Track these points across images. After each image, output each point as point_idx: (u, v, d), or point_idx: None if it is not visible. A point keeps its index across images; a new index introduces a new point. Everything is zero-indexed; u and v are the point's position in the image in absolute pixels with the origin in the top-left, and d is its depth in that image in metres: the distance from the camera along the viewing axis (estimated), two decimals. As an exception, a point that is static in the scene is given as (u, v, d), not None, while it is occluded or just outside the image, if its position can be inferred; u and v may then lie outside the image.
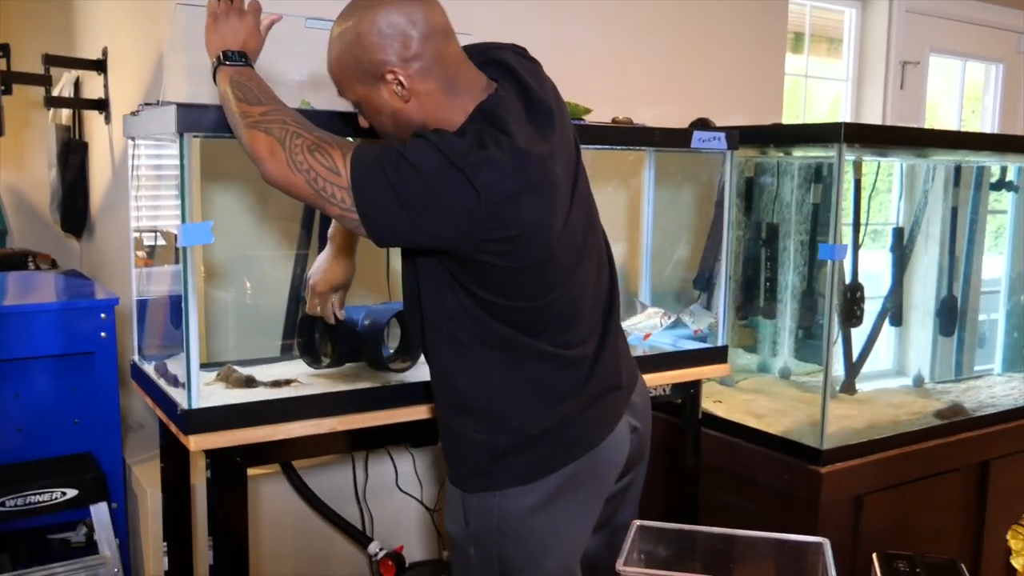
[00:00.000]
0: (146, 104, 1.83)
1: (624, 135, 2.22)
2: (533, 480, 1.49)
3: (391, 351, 1.97)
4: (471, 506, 1.52)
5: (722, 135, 2.28)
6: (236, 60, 1.53)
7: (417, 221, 1.35)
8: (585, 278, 1.53)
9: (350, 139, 1.44)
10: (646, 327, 2.31)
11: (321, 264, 1.81)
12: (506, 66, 1.50)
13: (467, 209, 1.33)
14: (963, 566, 1.92)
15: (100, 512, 2.30)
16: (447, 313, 1.48)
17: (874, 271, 2.97)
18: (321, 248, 2.19)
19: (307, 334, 1.96)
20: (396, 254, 2.37)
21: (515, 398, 1.50)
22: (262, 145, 1.41)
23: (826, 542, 1.51)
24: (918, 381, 3.08)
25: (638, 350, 2.32)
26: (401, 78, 1.41)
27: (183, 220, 1.61)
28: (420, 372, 1.93)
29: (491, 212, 1.34)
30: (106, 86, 3.04)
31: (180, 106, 1.59)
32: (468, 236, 1.35)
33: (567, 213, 1.46)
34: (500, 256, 1.38)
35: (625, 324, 2.30)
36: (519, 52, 1.59)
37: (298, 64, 2.10)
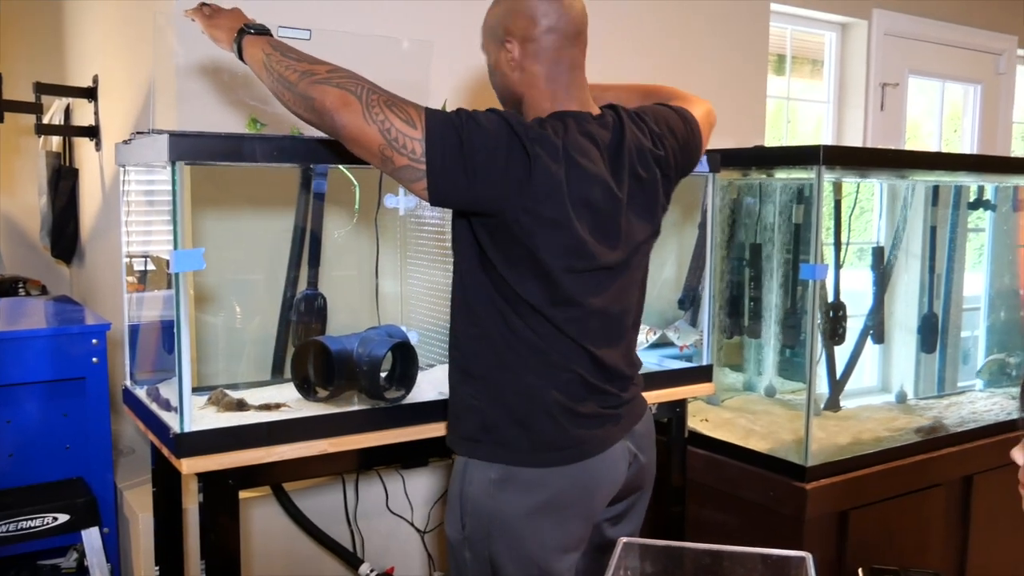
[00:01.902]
0: (138, 133, 1.86)
1: (608, 159, 2.25)
2: (516, 465, 1.55)
3: (384, 376, 1.99)
4: (467, 511, 1.57)
5: (703, 158, 2.31)
6: (262, 30, 1.61)
7: (474, 176, 1.44)
8: (601, 323, 1.60)
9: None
10: None
11: None
12: (620, 121, 1.62)
13: (518, 173, 1.44)
14: (947, 579, 1.94)
15: (91, 537, 2.31)
16: (466, 280, 1.58)
17: (859, 290, 3.01)
18: (311, 267, 2.23)
19: (302, 366, 1.98)
20: (384, 275, 2.40)
21: (512, 375, 1.56)
22: (334, 97, 1.45)
23: (809, 556, 1.53)
24: (901, 397, 3.12)
25: (624, 370, 2.35)
26: (513, 51, 1.58)
27: (175, 246, 1.64)
28: (410, 395, 1.96)
29: (536, 182, 1.44)
30: (96, 113, 3.07)
31: (172, 135, 1.62)
32: (512, 199, 1.45)
33: (598, 245, 1.54)
34: (531, 236, 1.47)
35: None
36: (653, 137, 1.68)
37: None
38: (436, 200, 1.48)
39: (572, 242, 1.50)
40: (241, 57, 1.62)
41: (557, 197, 1.46)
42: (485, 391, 1.58)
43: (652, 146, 1.65)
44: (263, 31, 1.61)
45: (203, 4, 1.69)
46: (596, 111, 1.62)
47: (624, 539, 1.58)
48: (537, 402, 1.55)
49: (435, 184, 1.45)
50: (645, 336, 2.34)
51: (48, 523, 2.25)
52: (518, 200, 1.45)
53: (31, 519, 2.23)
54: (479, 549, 1.56)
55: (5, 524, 2.20)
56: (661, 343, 2.41)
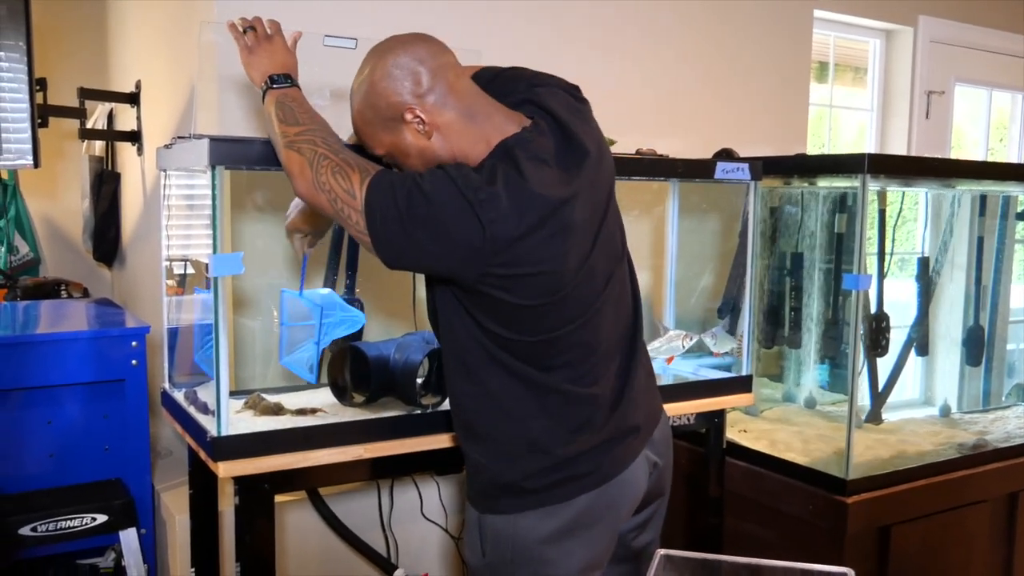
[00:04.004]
0: (179, 137, 1.87)
1: (648, 166, 2.24)
2: (538, 507, 1.50)
3: (420, 382, 1.98)
4: (487, 536, 1.53)
5: (745, 166, 2.29)
6: (282, 82, 1.60)
7: (422, 248, 1.38)
8: (603, 318, 1.53)
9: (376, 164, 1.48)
10: (669, 350, 2.31)
11: (298, 203, 1.79)
12: (545, 107, 1.52)
13: (470, 242, 1.36)
14: (991, 598, 1.90)
15: (129, 538, 2.32)
16: (456, 336, 1.51)
17: (901, 300, 2.96)
18: (349, 272, 2.23)
19: (338, 371, 1.98)
20: (421, 281, 2.40)
21: (520, 428, 1.50)
22: (295, 164, 1.47)
23: (851, 572, 1.50)
24: (945, 411, 3.06)
25: (662, 378, 2.33)
26: (420, 114, 1.44)
27: (214, 251, 1.64)
28: (446, 401, 1.95)
29: (495, 248, 1.36)
30: (139, 118, 3.11)
31: (212, 139, 1.63)
32: (470, 268, 1.38)
33: (586, 256, 1.47)
34: (506, 291, 1.40)
35: (648, 348, 2.30)
36: (570, 92, 1.60)
37: (320, 84, 2.12)
38: (393, 267, 1.45)
39: (559, 279, 1.43)
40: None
41: (519, 250, 1.37)
42: (494, 450, 1.52)
43: (580, 103, 1.58)
44: (285, 84, 1.60)
45: (247, 28, 1.67)
46: (516, 117, 1.51)
47: (661, 551, 1.56)
48: (552, 453, 1.49)
49: (384, 255, 1.42)
50: (681, 342, 2.31)
51: (86, 523, 2.27)
52: (474, 266, 1.37)
53: (70, 519, 2.25)
54: (503, 575, 1.53)
55: (44, 524, 2.22)
56: (697, 350, 2.38)
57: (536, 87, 1.56)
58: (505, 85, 1.57)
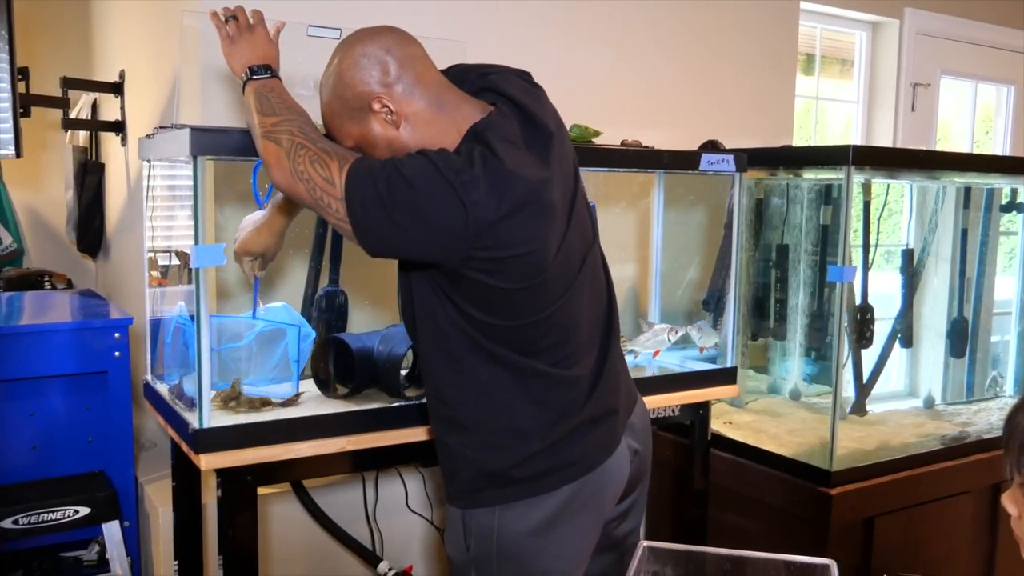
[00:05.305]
0: (161, 127, 1.86)
1: (633, 158, 2.24)
2: (524, 498, 1.49)
3: (404, 374, 1.97)
4: (471, 530, 1.52)
5: (730, 157, 2.29)
6: (262, 73, 1.59)
7: (405, 233, 1.37)
8: (580, 299, 1.53)
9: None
10: (655, 344, 2.32)
11: (247, 226, 1.75)
12: (503, 93, 1.52)
13: (454, 225, 1.35)
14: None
15: (112, 530, 2.31)
16: (438, 326, 1.49)
17: (886, 292, 2.97)
18: (332, 264, 2.22)
19: (322, 363, 1.97)
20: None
21: (506, 416, 1.49)
22: (271, 154, 1.46)
23: (833, 563, 1.50)
24: (929, 402, 3.07)
25: (647, 370, 2.33)
26: (388, 103, 1.45)
27: (196, 241, 1.63)
28: (430, 392, 1.94)
29: (478, 230, 1.35)
30: (123, 108, 3.08)
31: (194, 129, 1.62)
32: (455, 251, 1.37)
33: (562, 236, 1.47)
34: (489, 275, 1.40)
35: (634, 343, 2.31)
36: (522, 76, 1.60)
37: (303, 75, 2.10)
38: (375, 255, 1.43)
39: (542, 260, 1.42)
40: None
41: (501, 232, 1.36)
42: (479, 439, 1.51)
43: (533, 87, 1.58)
44: (265, 75, 1.59)
45: (229, 18, 1.65)
46: (479, 105, 1.51)
47: (645, 543, 1.56)
48: (538, 438, 1.49)
49: (365, 243, 1.41)
50: (667, 336, 2.32)
51: (69, 516, 2.25)
52: (458, 249, 1.36)
53: (53, 512, 2.23)
54: (487, 569, 1.51)
55: (27, 516, 2.20)
56: (684, 343, 2.39)
57: (488, 75, 1.57)
58: (456, 78, 1.56)
